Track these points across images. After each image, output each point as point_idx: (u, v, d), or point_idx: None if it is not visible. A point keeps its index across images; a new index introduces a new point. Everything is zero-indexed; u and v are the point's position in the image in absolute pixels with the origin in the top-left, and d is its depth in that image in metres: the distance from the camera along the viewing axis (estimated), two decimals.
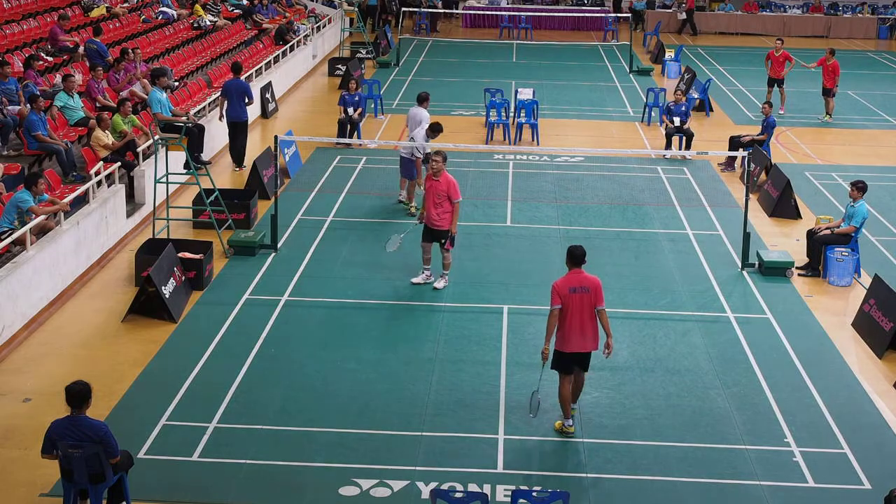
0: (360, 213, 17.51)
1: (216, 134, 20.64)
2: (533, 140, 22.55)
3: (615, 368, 12.06)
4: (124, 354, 12.25)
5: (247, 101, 19.60)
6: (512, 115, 23.61)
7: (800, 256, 15.57)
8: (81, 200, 14.99)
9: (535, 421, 10.78)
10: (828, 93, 25.60)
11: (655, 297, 14.21)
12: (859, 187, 14.99)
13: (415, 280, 14.45)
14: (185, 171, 16.25)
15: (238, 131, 19.66)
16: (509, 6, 42.93)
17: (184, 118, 16.78)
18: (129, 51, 20.89)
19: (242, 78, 19.91)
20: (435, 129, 17.12)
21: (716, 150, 21.07)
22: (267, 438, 10.43)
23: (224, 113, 19.47)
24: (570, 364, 10.53)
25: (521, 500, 8.68)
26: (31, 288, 12.89)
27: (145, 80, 19.59)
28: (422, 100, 18.32)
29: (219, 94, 20.04)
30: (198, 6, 28.58)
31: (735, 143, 20.83)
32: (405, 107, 26.01)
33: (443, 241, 14.14)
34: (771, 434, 10.75)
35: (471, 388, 11.58)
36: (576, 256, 10.49)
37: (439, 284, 14.35)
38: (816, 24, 42.52)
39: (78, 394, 8.50)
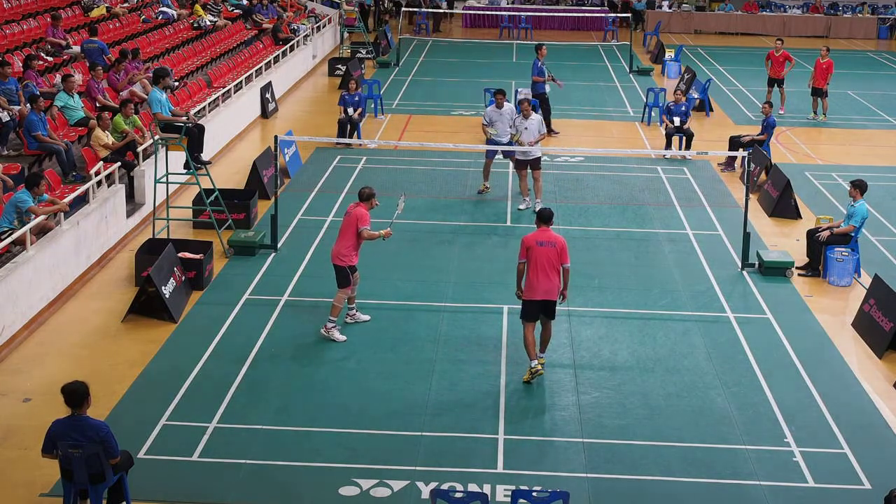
0: None
1: (216, 134, 20.64)
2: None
3: (615, 368, 12.07)
4: (124, 354, 12.25)
5: None
6: None
7: (800, 256, 15.57)
8: (81, 200, 14.98)
9: (537, 421, 10.86)
10: (819, 92, 25.57)
11: (655, 297, 14.21)
12: (858, 186, 14.98)
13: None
14: (185, 171, 16.24)
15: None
16: (509, 6, 42.91)
17: (184, 118, 16.77)
18: (130, 52, 20.89)
19: None
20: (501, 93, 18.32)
21: (716, 150, 21.07)
22: (267, 438, 10.42)
23: None
24: (536, 312, 11.55)
25: (521, 500, 8.67)
26: (31, 288, 12.89)
27: (145, 80, 19.59)
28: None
29: None
30: (198, 6, 28.57)
31: (735, 143, 20.81)
32: (405, 107, 26.14)
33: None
34: (771, 434, 10.74)
35: (471, 388, 11.58)
36: (544, 216, 11.67)
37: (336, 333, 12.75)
38: (816, 24, 42.53)
39: (75, 393, 8.46)
